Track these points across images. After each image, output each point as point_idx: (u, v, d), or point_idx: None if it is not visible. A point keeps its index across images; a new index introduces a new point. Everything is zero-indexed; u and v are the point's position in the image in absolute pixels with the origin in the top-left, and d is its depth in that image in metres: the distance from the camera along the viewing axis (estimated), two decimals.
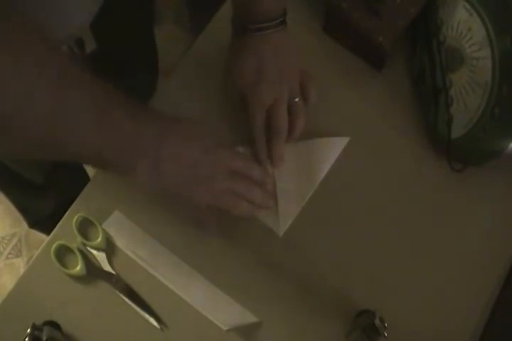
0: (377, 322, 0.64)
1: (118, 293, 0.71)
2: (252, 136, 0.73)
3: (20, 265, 1.54)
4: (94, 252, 0.72)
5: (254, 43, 0.72)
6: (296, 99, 0.74)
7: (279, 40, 0.72)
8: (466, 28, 0.72)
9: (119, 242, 0.72)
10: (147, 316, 0.70)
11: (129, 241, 0.72)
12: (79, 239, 0.72)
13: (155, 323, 0.70)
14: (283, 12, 0.71)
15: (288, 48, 0.73)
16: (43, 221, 1.23)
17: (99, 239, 0.72)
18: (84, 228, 0.73)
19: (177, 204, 0.68)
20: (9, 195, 1.22)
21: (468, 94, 0.72)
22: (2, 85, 0.46)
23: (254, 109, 0.72)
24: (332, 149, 0.77)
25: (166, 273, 0.71)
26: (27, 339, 0.64)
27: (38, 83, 0.48)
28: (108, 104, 0.55)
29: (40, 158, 0.75)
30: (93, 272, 0.71)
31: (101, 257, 0.72)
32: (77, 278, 0.71)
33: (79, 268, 0.70)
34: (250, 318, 0.70)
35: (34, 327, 0.64)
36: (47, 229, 0.74)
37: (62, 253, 0.72)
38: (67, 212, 0.73)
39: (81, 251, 0.72)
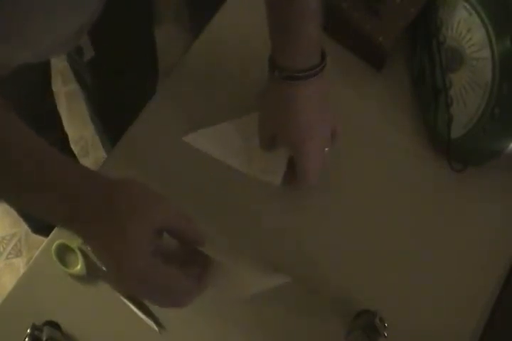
0: (377, 322, 0.64)
1: (117, 293, 0.70)
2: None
3: (20, 265, 1.54)
4: None
5: (302, 93, 0.67)
6: (326, 149, 0.71)
7: (323, 86, 0.68)
8: (465, 28, 0.72)
9: None
10: (145, 318, 0.70)
11: None
12: (79, 238, 0.72)
13: (153, 326, 0.70)
14: (323, 55, 0.68)
15: (327, 92, 0.69)
16: (46, 226, 1.23)
17: None
18: None
19: None
20: None
21: (468, 94, 0.72)
22: None
23: (304, 163, 0.70)
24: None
25: None
26: (27, 339, 0.64)
27: None
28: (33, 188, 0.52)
29: None
30: (93, 272, 0.71)
31: None
32: (77, 278, 0.71)
33: (79, 267, 0.70)
34: (278, 278, 0.66)
35: (34, 327, 0.64)
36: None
37: (63, 253, 0.72)
38: None
39: (81, 251, 0.72)
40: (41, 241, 0.74)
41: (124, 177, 0.52)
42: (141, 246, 0.50)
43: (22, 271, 0.74)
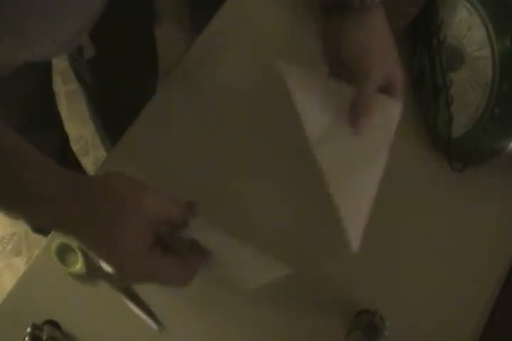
0: (377, 321, 0.64)
1: (118, 293, 0.71)
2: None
3: (20, 264, 1.54)
4: None
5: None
6: None
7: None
8: (466, 27, 0.72)
9: None
10: (145, 318, 0.70)
11: None
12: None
13: (153, 325, 0.70)
14: None
15: None
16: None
17: None
18: None
19: None
20: None
21: (468, 93, 0.72)
22: None
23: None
24: (386, 124, 0.64)
25: None
26: (27, 338, 0.64)
27: None
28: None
29: None
30: (93, 271, 0.71)
31: None
32: (77, 278, 0.71)
33: (79, 266, 0.70)
34: (279, 270, 0.60)
35: (34, 327, 0.65)
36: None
37: (63, 252, 0.72)
38: None
39: (82, 250, 0.72)
40: (41, 241, 0.74)
41: (106, 172, 0.52)
42: (137, 246, 0.50)
43: (22, 270, 0.74)
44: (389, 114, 0.63)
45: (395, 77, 0.64)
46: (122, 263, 0.49)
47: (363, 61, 0.63)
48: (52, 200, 0.50)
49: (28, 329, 0.64)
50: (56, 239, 0.72)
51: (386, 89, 0.64)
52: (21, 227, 1.55)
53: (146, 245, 0.50)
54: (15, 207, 0.52)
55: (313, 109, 0.63)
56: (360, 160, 0.62)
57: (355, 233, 0.60)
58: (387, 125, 0.63)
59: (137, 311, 0.70)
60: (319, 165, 0.60)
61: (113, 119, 1.19)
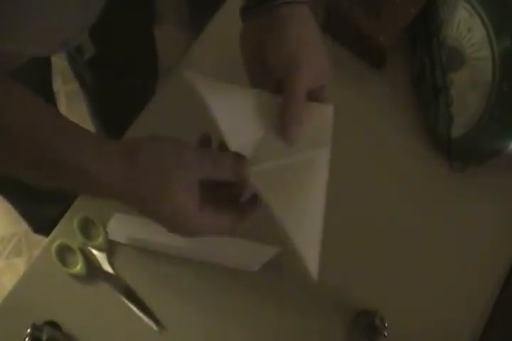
0: (377, 321, 0.65)
1: (118, 293, 0.71)
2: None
3: (21, 265, 1.54)
4: (95, 252, 0.72)
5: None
6: None
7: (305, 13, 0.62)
8: (466, 28, 0.72)
9: (127, 241, 0.72)
10: (145, 318, 0.70)
11: (137, 234, 0.71)
12: (80, 238, 0.72)
13: (153, 325, 0.70)
14: None
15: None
16: (47, 226, 1.23)
17: (100, 239, 0.72)
18: (85, 228, 0.73)
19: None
20: (13, 201, 1.22)
21: (468, 93, 0.72)
22: None
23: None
24: (320, 129, 0.57)
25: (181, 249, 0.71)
26: (27, 339, 0.64)
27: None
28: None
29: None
30: (93, 272, 0.71)
31: (101, 257, 0.72)
32: (77, 278, 0.71)
33: (79, 267, 0.70)
34: (272, 251, 0.70)
35: (34, 327, 0.64)
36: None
37: (63, 253, 0.72)
38: (68, 212, 0.73)
39: (82, 251, 0.72)
40: (41, 241, 0.74)
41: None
42: (189, 199, 0.52)
43: (22, 270, 0.74)
44: (323, 118, 0.58)
45: (324, 77, 0.58)
46: (174, 219, 0.53)
47: (292, 59, 0.56)
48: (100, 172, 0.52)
49: (28, 330, 0.64)
50: (56, 239, 0.72)
51: (314, 92, 0.58)
52: (21, 227, 1.55)
53: (197, 198, 0.53)
54: (60, 178, 0.54)
55: (235, 126, 0.55)
56: (299, 175, 0.55)
57: (312, 261, 0.55)
58: (322, 130, 0.57)
59: (137, 311, 0.70)
60: (255, 189, 0.54)
61: (113, 119, 1.20)
